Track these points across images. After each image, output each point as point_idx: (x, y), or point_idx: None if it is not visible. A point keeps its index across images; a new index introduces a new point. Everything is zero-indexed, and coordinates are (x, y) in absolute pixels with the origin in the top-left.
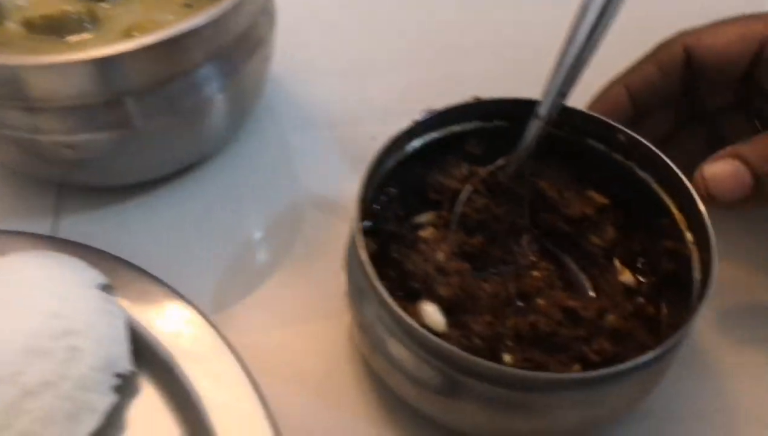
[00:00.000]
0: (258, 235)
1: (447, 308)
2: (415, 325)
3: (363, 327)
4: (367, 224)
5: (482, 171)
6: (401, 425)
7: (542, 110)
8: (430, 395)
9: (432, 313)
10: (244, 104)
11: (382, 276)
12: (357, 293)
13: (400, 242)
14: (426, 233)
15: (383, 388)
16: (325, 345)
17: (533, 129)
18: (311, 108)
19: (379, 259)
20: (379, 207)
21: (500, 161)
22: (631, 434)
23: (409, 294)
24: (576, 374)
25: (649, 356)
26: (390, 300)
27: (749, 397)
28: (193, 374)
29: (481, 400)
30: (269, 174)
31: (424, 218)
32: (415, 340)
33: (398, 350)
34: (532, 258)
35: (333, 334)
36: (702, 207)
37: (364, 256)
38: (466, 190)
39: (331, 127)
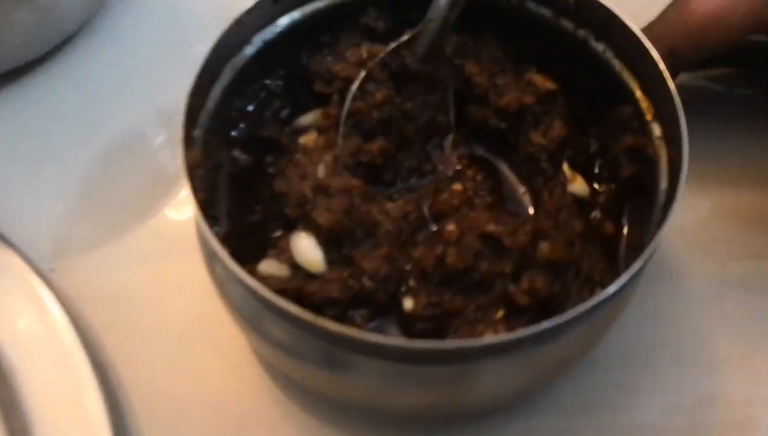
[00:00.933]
0: (111, 157)
1: (329, 240)
2: (259, 288)
3: (214, 279)
4: (240, 129)
5: (382, 51)
6: (275, 392)
7: None
8: (302, 367)
9: (306, 249)
10: None
11: (255, 200)
12: (200, 236)
13: (279, 153)
14: (308, 138)
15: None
16: (187, 295)
17: None
18: None
19: (255, 175)
20: (253, 108)
21: (406, 36)
22: (572, 391)
23: (290, 222)
24: (489, 339)
25: (589, 304)
26: (220, 249)
27: (726, 339)
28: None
29: (369, 375)
30: (132, 77)
31: (308, 118)
32: (268, 306)
33: (254, 314)
34: (458, 167)
35: (197, 280)
36: (672, 86)
37: (189, 189)
38: (360, 78)
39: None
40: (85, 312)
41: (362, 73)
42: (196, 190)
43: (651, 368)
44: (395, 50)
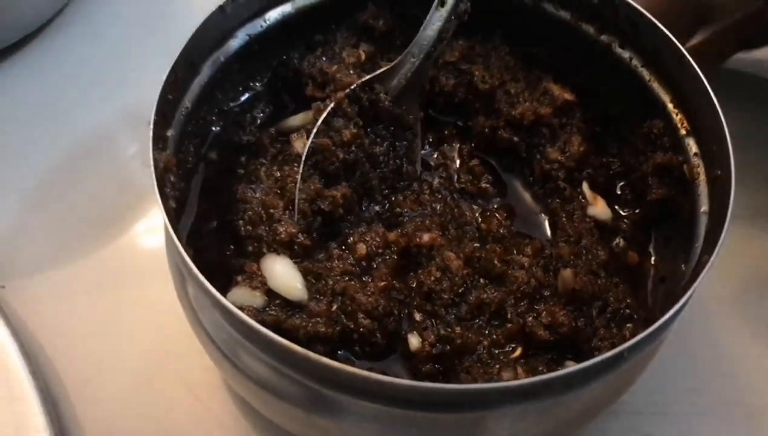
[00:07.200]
0: (75, 163)
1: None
2: (240, 314)
3: (184, 303)
4: (217, 129)
5: (351, 81)
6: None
7: None
8: (286, 408)
9: (282, 272)
10: None
11: (224, 210)
12: (170, 253)
13: (251, 154)
14: (299, 141)
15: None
16: (151, 323)
17: (436, 21)
18: None
19: (228, 181)
20: (234, 106)
21: (383, 68)
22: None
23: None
24: (510, 382)
25: (626, 345)
26: (194, 269)
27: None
28: None
29: (367, 422)
30: (103, 73)
31: (297, 120)
32: (248, 336)
33: (231, 344)
34: (469, 187)
35: (163, 307)
36: (713, 95)
37: (158, 197)
38: (327, 109)
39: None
40: (37, 337)
41: (331, 104)
42: (165, 198)
43: (682, 417)
44: (368, 82)
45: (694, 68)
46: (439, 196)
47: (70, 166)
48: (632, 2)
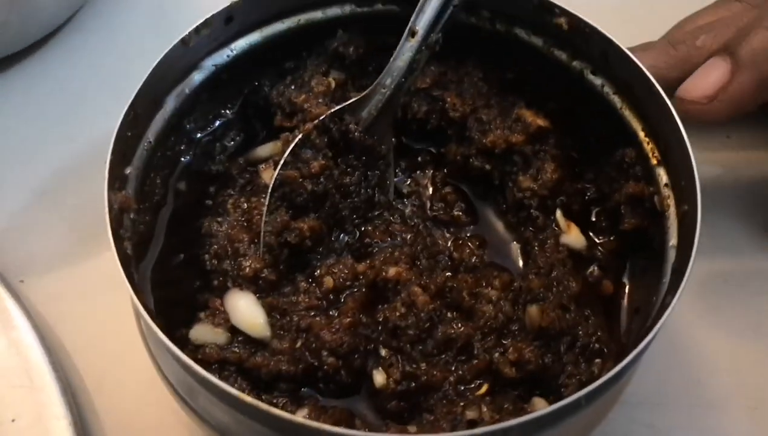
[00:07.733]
0: (88, 162)
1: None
2: (186, 359)
3: (146, 346)
4: (188, 159)
5: (321, 112)
6: None
7: (419, 24)
8: None
9: (245, 309)
10: None
11: (191, 243)
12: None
13: (221, 184)
14: (267, 172)
15: None
16: None
17: (407, 52)
18: None
19: (197, 213)
20: (203, 136)
21: (353, 99)
22: (599, 431)
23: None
24: (473, 431)
25: (590, 388)
26: (149, 319)
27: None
28: None
29: None
30: (115, 76)
31: (266, 150)
32: (198, 381)
33: (191, 393)
34: (442, 215)
35: None
36: (682, 127)
37: (114, 245)
38: (295, 141)
39: None
40: (56, 330)
41: (298, 136)
42: (120, 241)
43: (685, 408)
44: (338, 113)
45: (664, 99)
46: (411, 225)
47: (85, 164)
48: (606, 33)
